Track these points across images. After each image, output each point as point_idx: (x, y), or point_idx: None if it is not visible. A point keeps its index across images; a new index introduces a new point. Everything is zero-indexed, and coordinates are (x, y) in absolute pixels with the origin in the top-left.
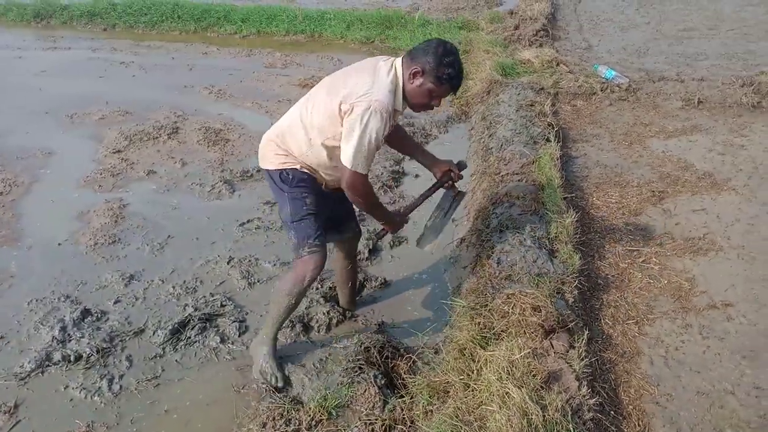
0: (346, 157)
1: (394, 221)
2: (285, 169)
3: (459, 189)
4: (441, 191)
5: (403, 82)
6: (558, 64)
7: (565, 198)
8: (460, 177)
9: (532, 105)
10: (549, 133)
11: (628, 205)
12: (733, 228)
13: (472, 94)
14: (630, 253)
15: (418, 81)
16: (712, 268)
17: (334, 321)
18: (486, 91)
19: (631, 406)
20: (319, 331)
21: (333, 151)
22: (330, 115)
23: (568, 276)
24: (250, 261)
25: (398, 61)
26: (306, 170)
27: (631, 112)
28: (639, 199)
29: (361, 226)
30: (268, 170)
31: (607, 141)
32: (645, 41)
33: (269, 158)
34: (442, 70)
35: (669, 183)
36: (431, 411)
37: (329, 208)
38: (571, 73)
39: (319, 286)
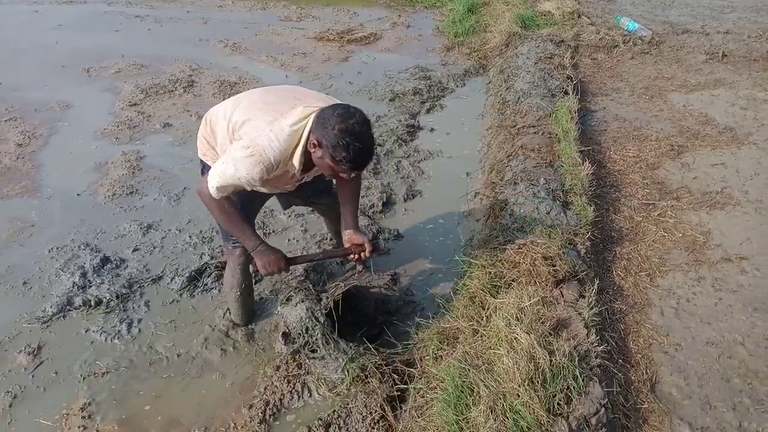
0: (212, 171)
1: (260, 251)
2: (206, 164)
3: (363, 269)
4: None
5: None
6: (579, 16)
7: (581, 151)
8: (368, 257)
9: (551, 58)
10: (567, 86)
11: (646, 159)
12: (752, 182)
13: (491, 46)
14: (645, 207)
15: (318, 153)
16: (728, 222)
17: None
18: (505, 43)
19: (639, 355)
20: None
21: None
22: (232, 127)
23: (581, 228)
24: (265, 212)
25: (312, 115)
26: None
27: (653, 65)
28: (657, 153)
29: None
30: (198, 155)
31: (627, 95)
32: None
33: (199, 143)
34: (338, 152)
35: (689, 137)
36: (440, 356)
37: (264, 200)
38: (593, 26)
39: (330, 237)
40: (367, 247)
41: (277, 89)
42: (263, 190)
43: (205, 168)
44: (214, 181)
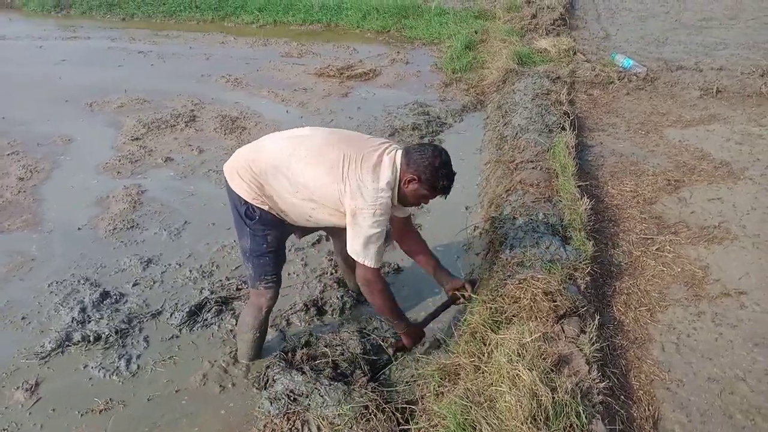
0: (355, 251)
1: (410, 331)
2: (253, 206)
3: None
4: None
5: (399, 181)
6: (575, 53)
7: (579, 186)
8: (471, 298)
9: (548, 94)
10: (564, 121)
11: (643, 193)
12: (749, 217)
13: (488, 83)
14: (644, 241)
15: (413, 186)
16: (726, 257)
17: (348, 305)
18: (502, 80)
19: (641, 391)
20: (332, 315)
21: (320, 210)
22: (328, 197)
23: (580, 262)
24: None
25: (398, 156)
26: (274, 213)
27: (649, 101)
28: (654, 187)
29: None
30: (234, 193)
31: (624, 130)
32: (664, 30)
33: (239, 184)
34: (439, 182)
35: (685, 172)
36: (442, 393)
37: (295, 232)
38: (588, 62)
39: (333, 271)
40: (468, 288)
41: (333, 139)
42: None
43: (248, 210)
44: (366, 254)
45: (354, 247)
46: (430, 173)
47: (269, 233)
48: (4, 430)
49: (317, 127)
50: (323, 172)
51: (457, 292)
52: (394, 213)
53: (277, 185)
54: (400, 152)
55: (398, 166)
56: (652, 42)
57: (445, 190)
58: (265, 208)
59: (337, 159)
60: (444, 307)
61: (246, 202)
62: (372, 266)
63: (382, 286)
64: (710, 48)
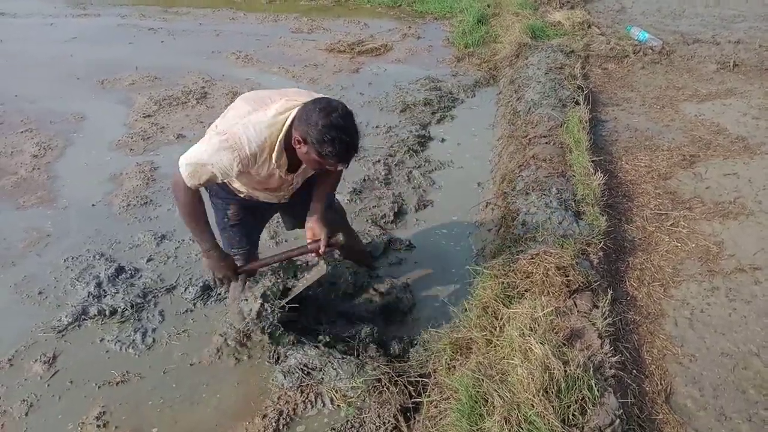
0: (184, 157)
1: (210, 255)
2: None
3: (320, 263)
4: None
5: (289, 140)
6: (589, 26)
7: (592, 161)
8: (324, 252)
9: (561, 68)
10: (578, 96)
11: (658, 168)
12: (765, 192)
13: (501, 57)
14: (658, 217)
15: (303, 149)
16: (741, 232)
17: (360, 282)
18: (515, 54)
19: (653, 366)
20: (346, 291)
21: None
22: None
23: (593, 238)
24: (277, 222)
25: (293, 112)
26: (231, 185)
27: (664, 75)
28: (669, 163)
29: (342, 205)
30: None
31: (638, 105)
32: (680, 3)
33: None
34: (324, 147)
35: (701, 147)
36: (454, 367)
37: (267, 213)
38: (603, 36)
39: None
40: (323, 241)
41: (272, 90)
42: (258, 195)
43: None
44: (186, 168)
45: (186, 155)
46: (315, 134)
47: (227, 207)
48: (23, 401)
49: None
50: (239, 109)
51: (313, 243)
52: (304, 171)
53: None
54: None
55: (287, 119)
56: (668, 15)
57: (336, 157)
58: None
59: (251, 99)
60: (284, 257)
61: None
62: (184, 178)
63: (185, 196)
64: (728, 21)
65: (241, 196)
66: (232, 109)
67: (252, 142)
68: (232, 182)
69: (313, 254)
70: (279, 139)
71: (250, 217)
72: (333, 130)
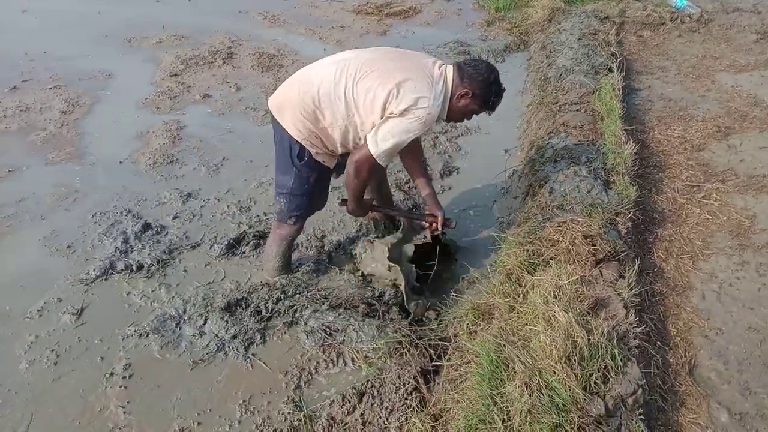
0: (373, 138)
1: (359, 205)
2: (304, 148)
3: (431, 237)
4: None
5: (450, 96)
6: None
7: (624, 130)
8: (437, 230)
9: (595, 34)
10: (612, 63)
11: (691, 139)
12: None
13: (532, 22)
14: (689, 189)
15: (465, 101)
16: None
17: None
18: (547, 18)
19: (678, 338)
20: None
21: (358, 136)
22: (376, 103)
23: (622, 207)
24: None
25: (449, 70)
26: (321, 158)
27: (702, 44)
28: (703, 134)
29: None
30: (285, 131)
31: (674, 74)
32: None
33: (291, 121)
34: (491, 97)
35: (736, 119)
36: (475, 332)
37: (328, 179)
38: (639, 2)
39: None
40: (440, 221)
41: (385, 54)
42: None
43: (301, 150)
44: (382, 152)
45: (375, 134)
46: (484, 88)
47: (311, 174)
48: (52, 351)
49: (358, 48)
50: (375, 81)
51: (429, 218)
52: None
53: (330, 112)
54: (451, 67)
55: (450, 80)
56: None
57: (493, 107)
58: (314, 152)
59: (386, 69)
60: (406, 214)
61: (297, 143)
62: (376, 158)
63: (368, 179)
64: None
65: (326, 164)
66: (393, 79)
67: (438, 113)
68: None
69: (428, 226)
70: (446, 101)
71: (323, 183)
72: (497, 84)
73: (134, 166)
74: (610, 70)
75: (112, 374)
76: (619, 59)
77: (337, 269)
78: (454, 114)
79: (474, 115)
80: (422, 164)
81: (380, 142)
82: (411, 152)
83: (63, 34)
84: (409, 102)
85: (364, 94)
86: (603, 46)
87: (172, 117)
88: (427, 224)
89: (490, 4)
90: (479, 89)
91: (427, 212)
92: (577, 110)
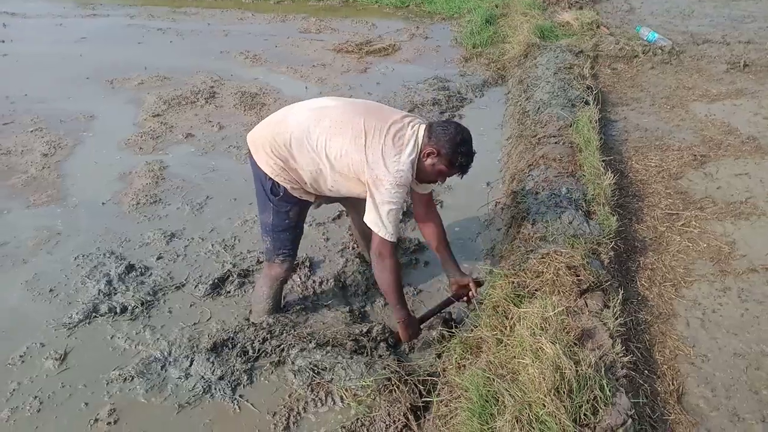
0: (373, 221)
1: (408, 322)
2: (277, 183)
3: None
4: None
5: (419, 155)
6: (598, 27)
7: (603, 160)
8: (476, 295)
9: (570, 68)
10: (588, 96)
11: (669, 168)
12: None
13: (509, 57)
14: (669, 217)
15: (432, 160)
16: (753, 232)
17: (371, 281)
18: (523, 54)
19: (665, 366)
20: (356, 292)
21: (343, 181)
22: (351, 166)
23: (604, 237)
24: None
25: (421, 130)
26: (296, 193)
27: (674, 75)
28: (680, 162)
29: None
30: (259, 168)
31: (648, 104)
32: (689, 3)
33: (264, 159)
34: (457, 157)
35: (711, 147)
36: (464, 366)
37: (306, 213)
38: (612, 36)
39: (354, 246)
40: (473, 286)
41: (357, 108)
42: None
43: (273, 186)
44: (384, 227)
45: (371, 217)
46: (450, 148)
47: (291, 209)
48: (35, 398)
49: (339, 97)
50: (347, 142)
51: (461, 290)
52: (412, 188)
53: (301, 158)
54: (423, 126)
55: (420, 140)
56: (677, 15)
57: (463, 168)
58: (288, 186)
59: (360, 129)
60: (446, 304)
61: (270, 179)
62: (388, 238)
63: (393, 261)
64: (738, 21)
65: (305, 198)
66: (382, 158)
67: (410, 173)
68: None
69: (465, 300)
70: (416, 161)
71: (302, 217)
72: (465, 145)
73: (117, 207)
74: (587, 102)
75: (96, 420)
76: (594, 92)
77: (324, 305)
78: (423, 174)
79: (446, 177)
80: (436, 225)
81: (383, 220)
82: (420, 215)
83: (44, 76)
84: (382, 169)
85: (337, 152)
86: (578, 79)
87: (154, 157)
88: (465, 298)
89: (467, 41)
90: (445, 148)
91: (456, 285)
92: (556, 143)
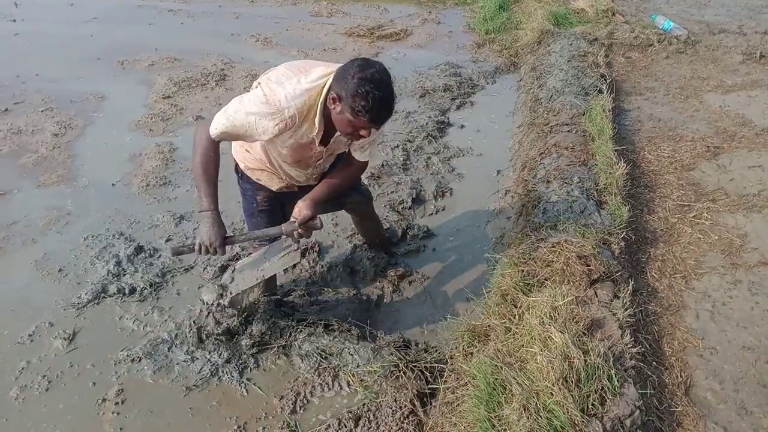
0: (220, 114)
1: (206, 218)
2: (237, 164)
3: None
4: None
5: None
6: (613, 14)
7: (615, 150)
8: (302, 235)
9: (584, 56)
10: (601, 84)
11: (681, 159)
12: None
13: (522, 44)
14: (680, 208)
15: (337, 108)
16: (765, 225)
17: (380, 267)
18: (537, 41)
19: (673, 358)
20: (364, 277)
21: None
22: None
23: (615, 228)
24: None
25: (333, 75)
26: (253, 173)
27: (689, 65)
28: (693, 153)
29: (369, 190)
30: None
31: (662, 94)
32: None
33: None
34: (357, 101)
35: (725, 138)
36: (471, 353)
37: (294, 199)
38: (627, 24)
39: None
40: (299, 221)
41: (315, 60)
42: (287, 169)
43: (236, 166)
44: (220, 124)
45: (225, 109)
46: (350, 89)
47: (258, 193)
48: (43, 377)
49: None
50: (280, 73)
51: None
52: (334, 146)
53: None
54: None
55: (326, 83)
56: (693, 4)
57: (367, 114)
58: (242, 165)
59: (294, 65)
60: (264, 235)
61: (234, 161)
62: (211, 132)
63: (202, 147)
64: (755, 11)
65: (265, 184)
66: (273, 72)
67: (292, 105)
68: (266, 152)
69: (290, 237)
70: (319, 102)
71: (277, 205)
72: (368, 84)
73: (127, 189)
74: (600, 91)
75: (104, 400)
76: (608, 80)
77: (330, 290)
78: (337, 125)
79: (359, 130)
80: (334, 181)
81: (222, 114)
82: (342, 167)
83: (55, 56)
84: (272, 80)
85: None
86: (592, 67)
87: (164, 139)
88: (288, 234)
89: (480, 26)
90: (344, 90)
91: (297, 211)
92: (569, 131)
